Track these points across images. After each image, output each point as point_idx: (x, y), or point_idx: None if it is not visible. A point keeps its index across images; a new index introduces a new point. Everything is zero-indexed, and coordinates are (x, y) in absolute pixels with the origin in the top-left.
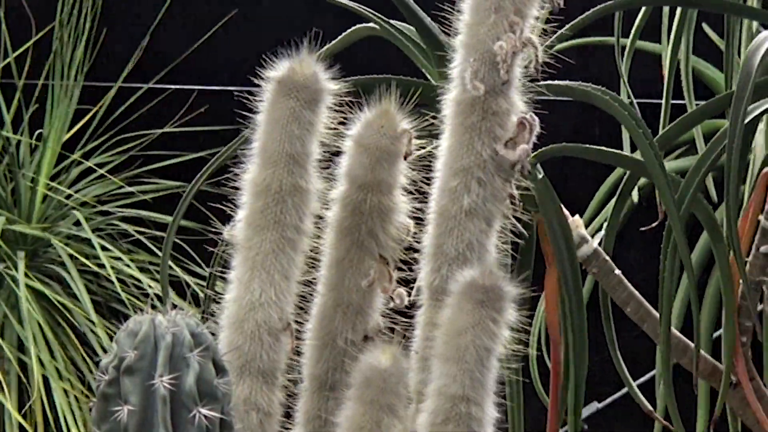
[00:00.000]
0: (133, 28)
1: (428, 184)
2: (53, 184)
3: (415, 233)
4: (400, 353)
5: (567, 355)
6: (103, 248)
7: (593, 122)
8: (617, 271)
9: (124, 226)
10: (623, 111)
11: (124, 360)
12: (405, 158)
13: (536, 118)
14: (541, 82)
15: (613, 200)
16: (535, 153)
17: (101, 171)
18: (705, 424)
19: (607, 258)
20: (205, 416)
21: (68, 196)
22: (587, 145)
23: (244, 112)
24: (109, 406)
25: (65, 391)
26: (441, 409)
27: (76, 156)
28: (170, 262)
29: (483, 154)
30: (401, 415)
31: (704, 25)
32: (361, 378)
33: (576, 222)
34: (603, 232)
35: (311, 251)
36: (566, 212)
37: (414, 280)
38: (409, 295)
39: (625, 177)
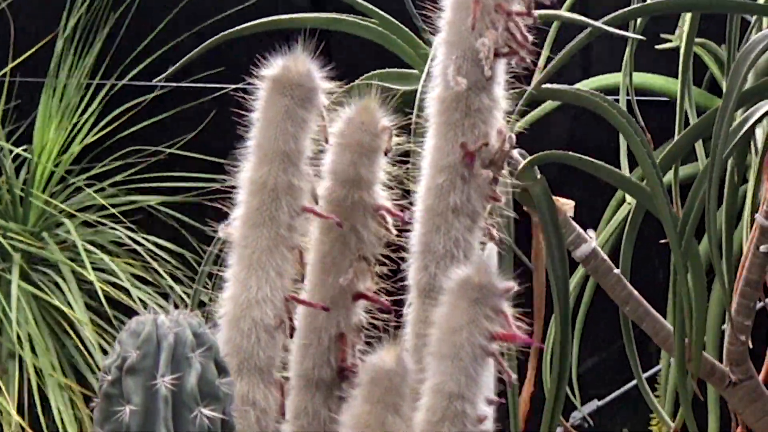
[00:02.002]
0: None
1: (413, 182)
2: (47, 197)
3: (402, 231)
4: (405, 353)
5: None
6: (93, 254)
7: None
8: (616, 270)
9: (121, 234)
10: (621, 119)
11: (127, 360)
12: (385, 154)
13: (513, 137)
14: (539, 86)
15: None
16: (531, 157)
17: (97, 192)
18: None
19: (606, 257)
20: (207, 416)
21: (63, 204)
22: (587, 158)
23: (241, 111)
24: (111, 406)
25: (61, 391)
26: (437, 407)
27: (76, 180)
28: (163, 272)
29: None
30: (404, 414)
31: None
32: (366, 377)
33: (567, 205)
34: (594, 233)
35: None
36: (562, 199)
37: (400, 279)
38: (397, 293)
39: (633, 206)
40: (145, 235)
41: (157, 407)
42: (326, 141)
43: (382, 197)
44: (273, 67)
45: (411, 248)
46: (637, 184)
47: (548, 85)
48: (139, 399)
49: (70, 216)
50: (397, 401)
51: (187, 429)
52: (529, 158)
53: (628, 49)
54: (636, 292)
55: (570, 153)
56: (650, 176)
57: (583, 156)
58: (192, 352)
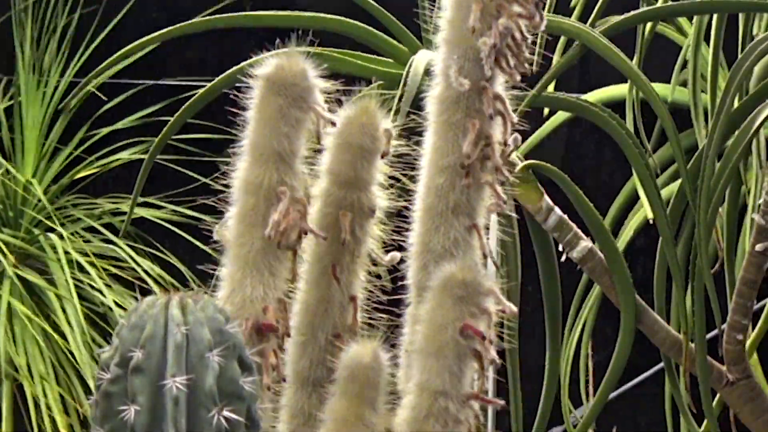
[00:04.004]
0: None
1: (413, 181)
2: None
3: (402, 231)
4: (381, 348)
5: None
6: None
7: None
8: None
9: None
10: (620, 130)
11: (132, 359)
12: (382, 157)
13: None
14: (538, 93)
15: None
16: (526, 162)
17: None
18: None
19: (603, 257)
20: (225, 417)
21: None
22: (573, 184)
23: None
24: (113, 405)
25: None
26: (423, 405)
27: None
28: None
29: (468, 151)
30: (380, 408)
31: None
32: (345, 373)
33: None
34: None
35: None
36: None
37: (400, 278)
38: (395, 292)
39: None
40: (134, 245)
41: (165, 407)
42: (318, 140)
43: (379, 198)
44: (266, 65)
45: (410, 248)
46: (604, 229)
47: (547, 93)
48: (144, 399)
49: (60, 225)
50: (374, 396)
51: (201, 429)
52: (525, 163)
53: (635, 58)
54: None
55: (561, 173)
56: (648, 188)
57: (570, 181)
58: (209, 351)
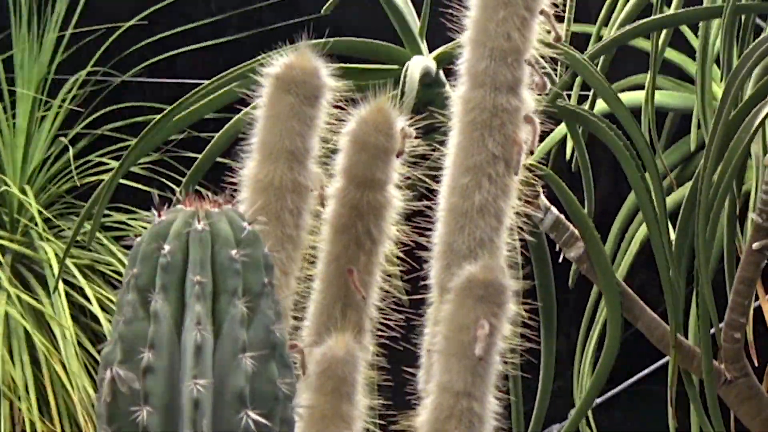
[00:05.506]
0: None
1: (436, 182)
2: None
3: (424, 231)
4: (354, 342)
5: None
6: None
7: None
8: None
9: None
10: (618, 141)
11: (140, 360)
12: (398, 156)
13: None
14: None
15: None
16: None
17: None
18: None
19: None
20: (253, 420)
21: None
22: (566, 188)
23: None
24: (121, 405)
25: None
26: (444, 405)
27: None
28: None
29: (494, 151)
30: (358, 402)
31: None
32: (318, 369)
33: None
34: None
35: (309, 247)
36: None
37: (422, 278)
38: (419, 292)
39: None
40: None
41: (182, 408)
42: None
43: (396, 198)
44: (277, 64)
45: (433, 248)
46: (594, 235)
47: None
48: (157, 400)
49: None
50: (349, 390)
51: (226, 430)
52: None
53: (650, 71)
54: (631, 291)
55: (555, 176)
56: (644, 203)
57: (564, 186)
58: (242, 353)
